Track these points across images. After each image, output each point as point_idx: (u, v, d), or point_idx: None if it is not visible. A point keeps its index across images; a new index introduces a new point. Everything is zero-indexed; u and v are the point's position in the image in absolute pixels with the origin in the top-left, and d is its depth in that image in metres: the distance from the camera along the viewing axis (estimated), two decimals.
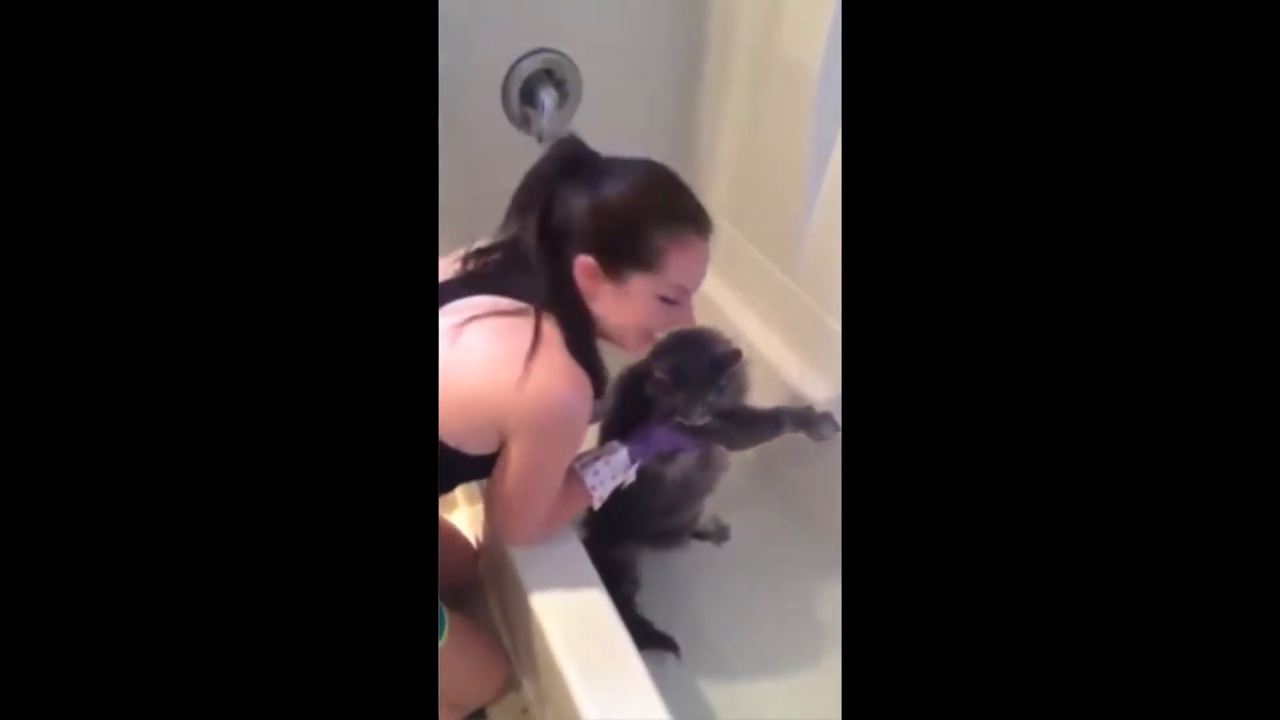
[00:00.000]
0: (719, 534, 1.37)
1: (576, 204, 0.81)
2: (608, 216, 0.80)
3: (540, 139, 1.31)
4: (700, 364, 0.99)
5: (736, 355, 1.01)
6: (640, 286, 0.83)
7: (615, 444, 1.00)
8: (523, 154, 1.33)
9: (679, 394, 0.99)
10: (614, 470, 0.98)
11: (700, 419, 1.00)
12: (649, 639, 1.17)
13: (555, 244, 0.82)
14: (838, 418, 1.14)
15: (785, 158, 1.28)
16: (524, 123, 1.31)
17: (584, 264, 0.82)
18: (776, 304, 1.41)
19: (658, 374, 0.99)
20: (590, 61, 1.29)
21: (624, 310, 0.85)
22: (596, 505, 0.99)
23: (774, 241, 1.39)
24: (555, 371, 0.79)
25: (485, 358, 0.80)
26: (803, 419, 1.13)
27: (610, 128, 1.40)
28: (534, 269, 0.84)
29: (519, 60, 1.24)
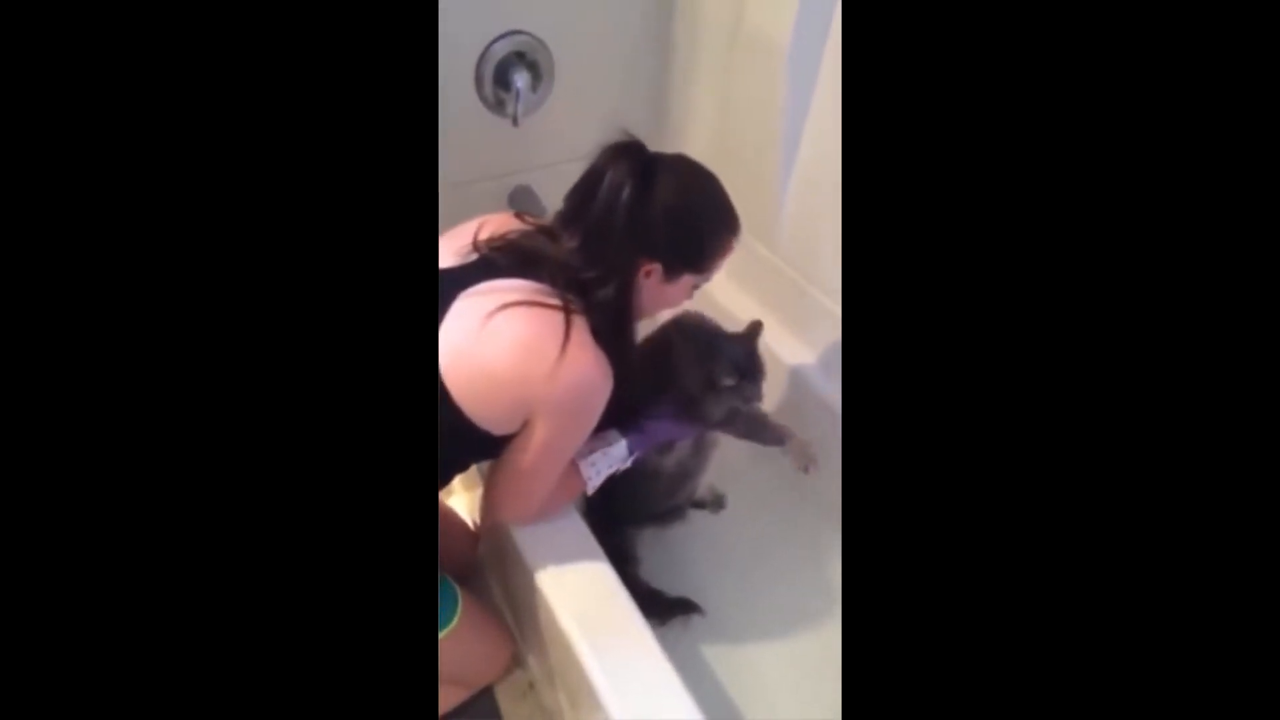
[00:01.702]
0: (715, 503, 1.40)
1: (639, 208, 0.85)
2: (676, 230, 0.88)
3: (515, 122, 1.32)
4: (741, 353, 1.04)
5: (759, 327, 1.07)
6: (686, 282, 0.94)
7: (614, 433, 1.02)
8: (498, 138, 1.35)
9: (749, 386, 1.04)
10: (611, 461, 1.01)
11: (759, 400, 1.06)
12: (668, 608, 1.20)
13: (615, 240, 0.86)
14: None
15: (760, 132, 1.30)
16: (498, 106, 1.31)
17: (651, 269, 0.89)
18: (757, 275, 1.43)
19: (724, 379, 1.02)
20: (562, 42, 1.29)
21: (664, 299, 0.95)
22: (590, 493, 1.02)
23: (752, 214, 1.40)
24: (586, 360, 0.84)
25: (520, 345, 0.83)
26: (800, 450, 1.14)
27: (584, 107, 1.41)
28: (563, 261, 0.87)
29: (491, 44, 1.24)
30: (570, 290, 0.86)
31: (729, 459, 1.30)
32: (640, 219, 0.85)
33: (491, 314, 0.83)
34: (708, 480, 1.36)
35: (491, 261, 0.90)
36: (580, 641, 0.88)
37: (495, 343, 0.83)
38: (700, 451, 1.18)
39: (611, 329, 0.88)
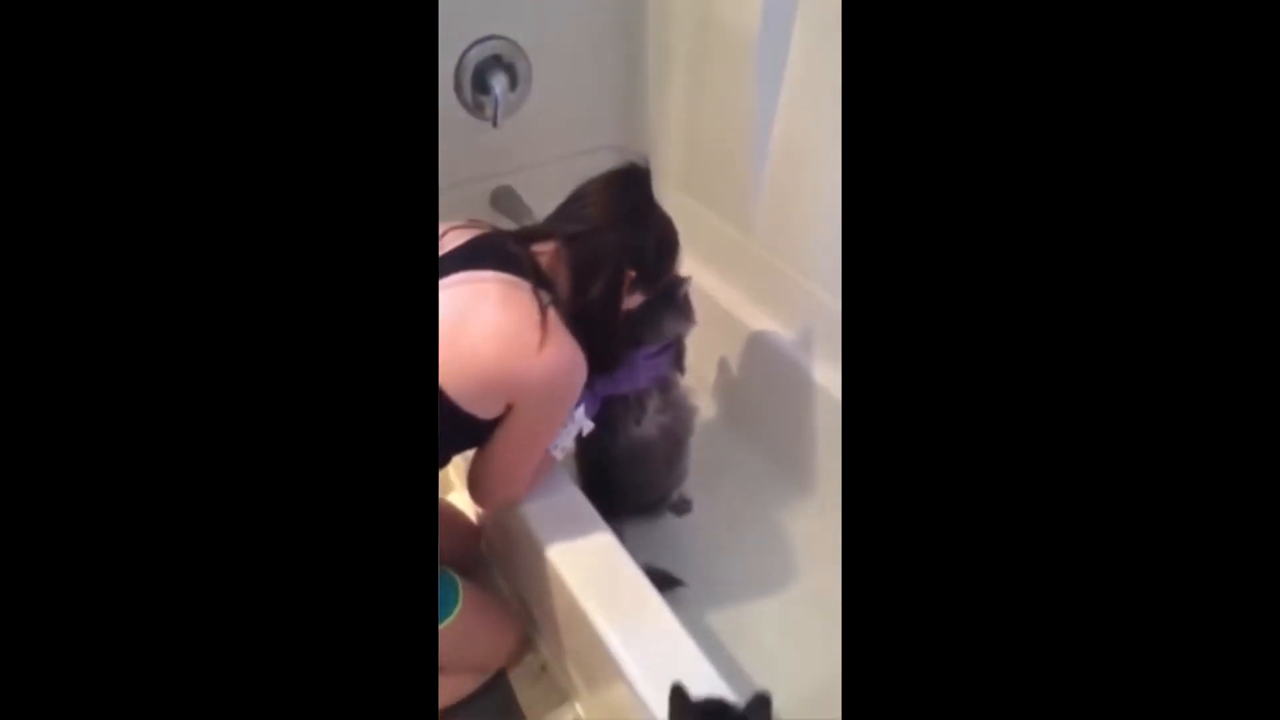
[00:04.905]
0: (683, 506, 1.44)
1: (628, 235, 0.96)
2: (653, 259, 0.99)
3: (495, 124, 1.35)
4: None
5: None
6: (637, 298, 1.02)
7: None
8: (480, 142, 1.38)
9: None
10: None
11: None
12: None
13: (607, 246, 0.95)
14: None
15: (732, 123, 1.34)
16: (477, 109, 1.34)
17: (629, 276, 0.98)
18: (735, 260, 1.49)
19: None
20: (537, 45, 1.33)
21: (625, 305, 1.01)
22: (559, 456, 1.06)
23: (728, 203, 1.46)
24: (563, 343, 0.89)
25: (500, 333, 0.87)
26: None
27: (561, 107, 1.45)
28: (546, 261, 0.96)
29: (468, 49, 1.27)
30: (542, 284, 0.91)
31: (702, 438, 1.35)
32: (635, 234, 0.95)
33: (472, 300, 0.87)
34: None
35: (467, 255, 0.93)
36: (596, 615, 0.92)
37: (476, 329, 0.86)
38: (672, 408, 1.22)
39: (598, 324, 0.96)
